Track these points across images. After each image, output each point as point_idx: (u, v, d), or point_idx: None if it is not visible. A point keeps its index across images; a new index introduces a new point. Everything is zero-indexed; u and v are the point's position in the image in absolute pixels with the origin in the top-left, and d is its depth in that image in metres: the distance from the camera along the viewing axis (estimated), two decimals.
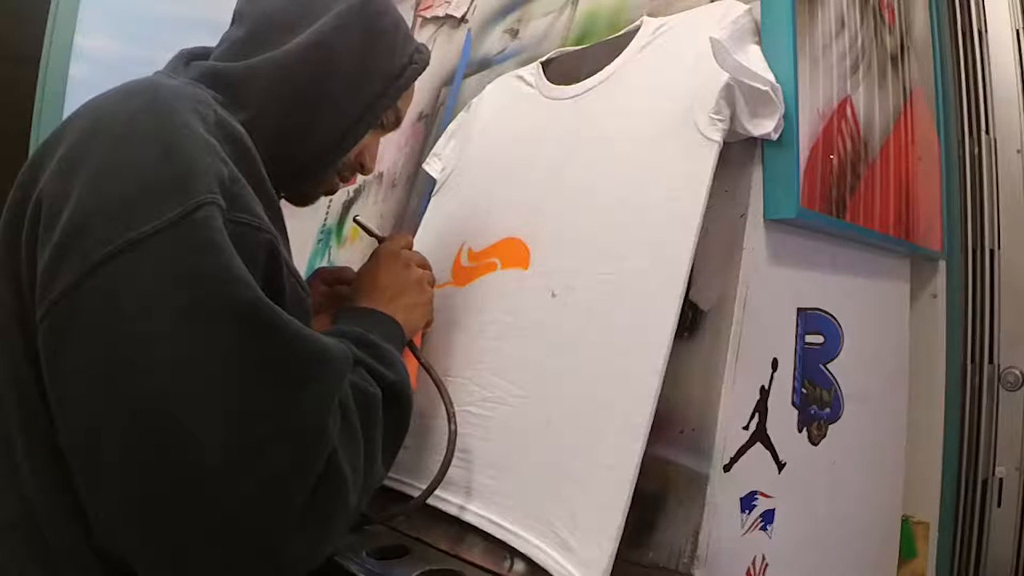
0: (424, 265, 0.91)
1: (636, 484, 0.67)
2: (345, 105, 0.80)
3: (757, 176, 0.78)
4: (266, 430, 0.50)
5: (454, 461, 0.85)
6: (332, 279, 0.96)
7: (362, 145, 0.85)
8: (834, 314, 0.88)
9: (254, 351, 0.51)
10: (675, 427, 0.73)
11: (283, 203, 0.88)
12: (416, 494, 0.87)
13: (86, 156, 0.57)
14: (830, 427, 0.87)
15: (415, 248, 0.95)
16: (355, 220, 0.97)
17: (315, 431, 0.53)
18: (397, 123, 0.90)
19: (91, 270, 0.51)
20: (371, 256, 0.89)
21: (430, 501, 0.85)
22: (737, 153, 0.79)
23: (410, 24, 1.67)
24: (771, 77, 0.76)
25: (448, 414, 0.83)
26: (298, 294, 0.65)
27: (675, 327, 0.71)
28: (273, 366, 0.52)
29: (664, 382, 0.70)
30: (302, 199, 0.88)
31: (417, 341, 0.88)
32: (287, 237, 0.76)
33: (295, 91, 0.75)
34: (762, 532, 0.76)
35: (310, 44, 0.76)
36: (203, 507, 0.48)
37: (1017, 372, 1.11)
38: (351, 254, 1.52)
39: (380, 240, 0.94)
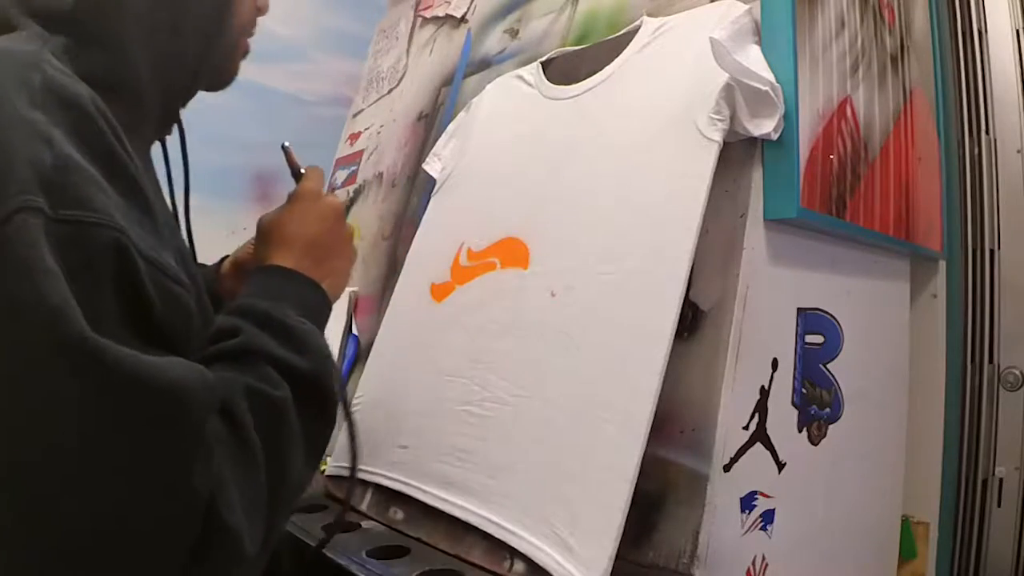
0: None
1: (636, 484, 0.67)
2: None
3: (757, 176, 0.78)
4: (118, 492, 0.43)
5: (453, 461, 0.85)
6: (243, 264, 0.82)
7: None
8: (834, 314, 0.88)
9: (84, 397, 0.43)
10: (675, 427, 0.73)
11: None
12: (415, 494, 0.87)
13: None
14: (830, 427, 0.87)
15: (415, 250, 0.85)
16: (283, 146, 0.78)
17: (175, 484, 0.45)
18: None
19: None
20: (296, 197, 0.72)
21: (430, 502, 0.85)
22: (737, 153, 0.79)
23: (410, 24, 1.67)
24: (771, 77, 0.76)
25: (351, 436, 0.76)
26: (169, 292, 0.53)
27: (675, 327, 0.71)
28: (109, 414, 0.44)
29: (664, 382, 0.70)
30: (223, 77, 0.74)
31: None
32: (166, 206, 0.62)
33: None
34: (762, 532, 0.76)
35: None
36: None
37: (1017, 372, 1.11)
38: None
39: (299, 175, 0.75)
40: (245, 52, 0.76)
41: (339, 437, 1.07)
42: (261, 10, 0.75)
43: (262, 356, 0.55)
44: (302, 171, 0.75)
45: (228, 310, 0.59)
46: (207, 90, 0.74)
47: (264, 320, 0.58)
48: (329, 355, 0.61)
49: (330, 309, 0.67)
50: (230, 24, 0.70)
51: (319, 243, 0.68)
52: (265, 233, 0.69)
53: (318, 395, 0.58)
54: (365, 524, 0.91)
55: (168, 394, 0.46)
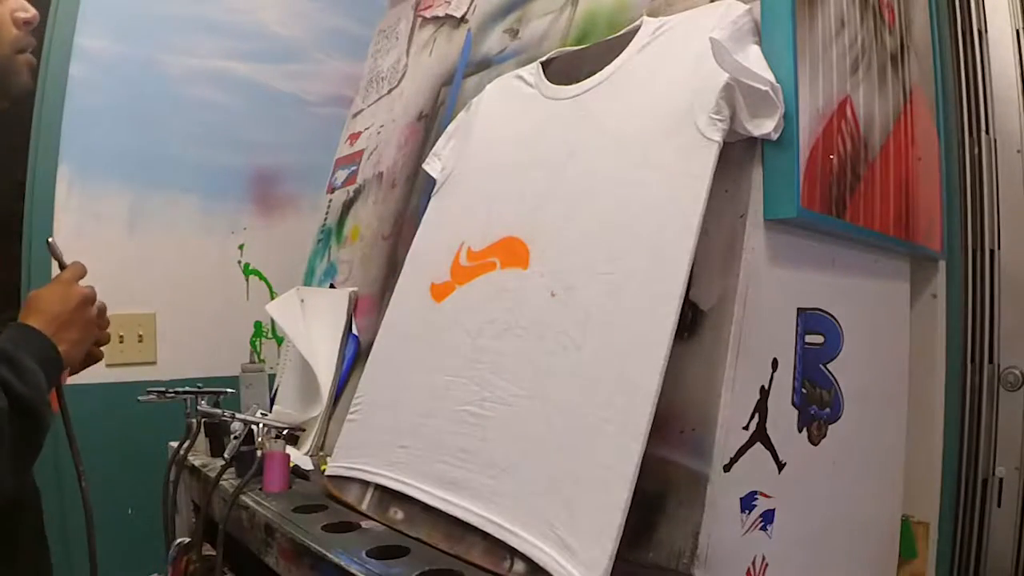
0: (101, 309, 0.93)
1: (636, 484, 0.67)
2: None
3: (757, 176, 0.78)
4: None
5: (453, 461, 0.85)
6: None
7: None
8: (834, 314, 0.88)
9: None
10: (675, 427, 0.73)
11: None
12: (415, 494, 0.88)
13: None
14: (830, 427, 0.87)
15: (415, 250, 0.89)
16: (47, 242, 0.96)
17: None
18: None
19: None
20: (55, 281, 0.91)
21: (430, 502, 0.85)
22: (737, 153, 0.79)
23: (410, 24, 1.67)
24: (771, 77, 0.76)
25: (78, 472, 0.91)
26: None
27: (675, 327, 0.71)
28: None
29: (664, 382, 0.70)
30: (8, 93, 0.87)
31: (64, 380, 0.89)
32: None
33: None
34: (762, 532, 0.76)
35: None
36: None
37: (1017, 372, 1.11)
38: (351, 255, 1.53)
39: (62, 267, 0.94)
40: (30, 66, 0.89)
41: (339, 438, 1.07)
42: (21, 23, 0.87)
43: None
44: (65, 263, 0.95)
45: None
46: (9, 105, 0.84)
47: (3, 355, 0.74)
48: (46, 396, 0.78)
49: (61, 365, 0.84)
50: None
51: (61, 318, 0.86)
52: (28, 300, 0.88)
53: (30, 417, 0.74)
54: (365, 524, 0.91)
55: None
